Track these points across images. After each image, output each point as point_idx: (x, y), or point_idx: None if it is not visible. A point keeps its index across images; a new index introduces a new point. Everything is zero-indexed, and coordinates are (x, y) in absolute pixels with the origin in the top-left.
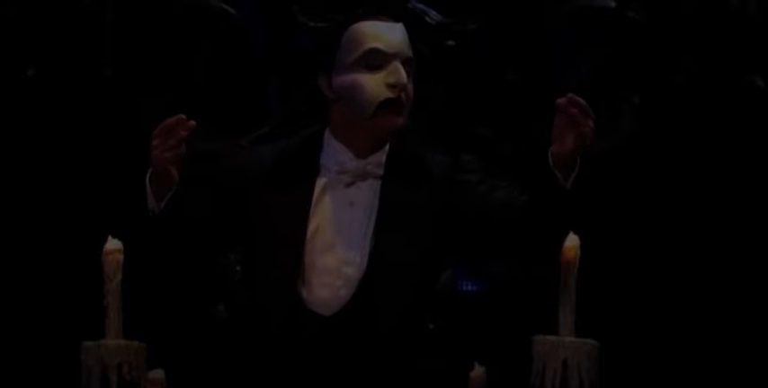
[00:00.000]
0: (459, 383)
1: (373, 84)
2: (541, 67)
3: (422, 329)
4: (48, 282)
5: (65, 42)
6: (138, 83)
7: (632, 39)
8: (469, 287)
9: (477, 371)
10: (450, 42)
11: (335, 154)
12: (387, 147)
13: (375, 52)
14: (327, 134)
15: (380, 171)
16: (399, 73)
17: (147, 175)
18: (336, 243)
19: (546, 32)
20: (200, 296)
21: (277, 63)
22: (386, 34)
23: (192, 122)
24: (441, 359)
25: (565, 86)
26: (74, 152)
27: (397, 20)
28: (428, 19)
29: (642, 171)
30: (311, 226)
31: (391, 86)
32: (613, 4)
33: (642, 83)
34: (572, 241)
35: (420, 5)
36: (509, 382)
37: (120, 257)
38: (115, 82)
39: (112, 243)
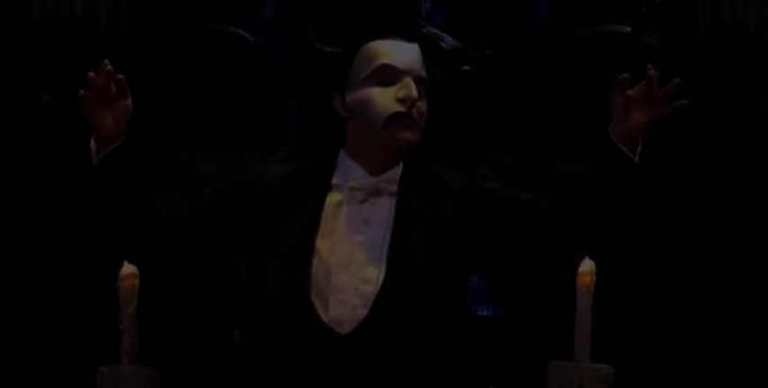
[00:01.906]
0: None
1: (384, 99)
2: (558, 92)
3: (439, 348)
4: (64, 307)
5: (80, 68)
6: (155, 108)
7: (648, 64)
8: (486, 312)
9: None
10: (466, 67)
11: (349, 171)
12: (401, 165)
13: (387, 68)
14: (342, 153)
15: (394, 188)
16: (410, 88)
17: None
18: (352, 261)
19: (562, 58)
20: (215, 321)
21: (294, 88)
22: (398, 52)
23: (110, 67)
24: (457, 383)
25: (583, 112)
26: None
27: (411, 42)
28: (443, 44)
29: (655, 195)
30: (327, 244)
31: (401, 100)
32: (629, 30)
33: None
34: (587, 266)
35: (434, 31)
36: None
37: (136, 282)
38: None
39: (128, 269)
